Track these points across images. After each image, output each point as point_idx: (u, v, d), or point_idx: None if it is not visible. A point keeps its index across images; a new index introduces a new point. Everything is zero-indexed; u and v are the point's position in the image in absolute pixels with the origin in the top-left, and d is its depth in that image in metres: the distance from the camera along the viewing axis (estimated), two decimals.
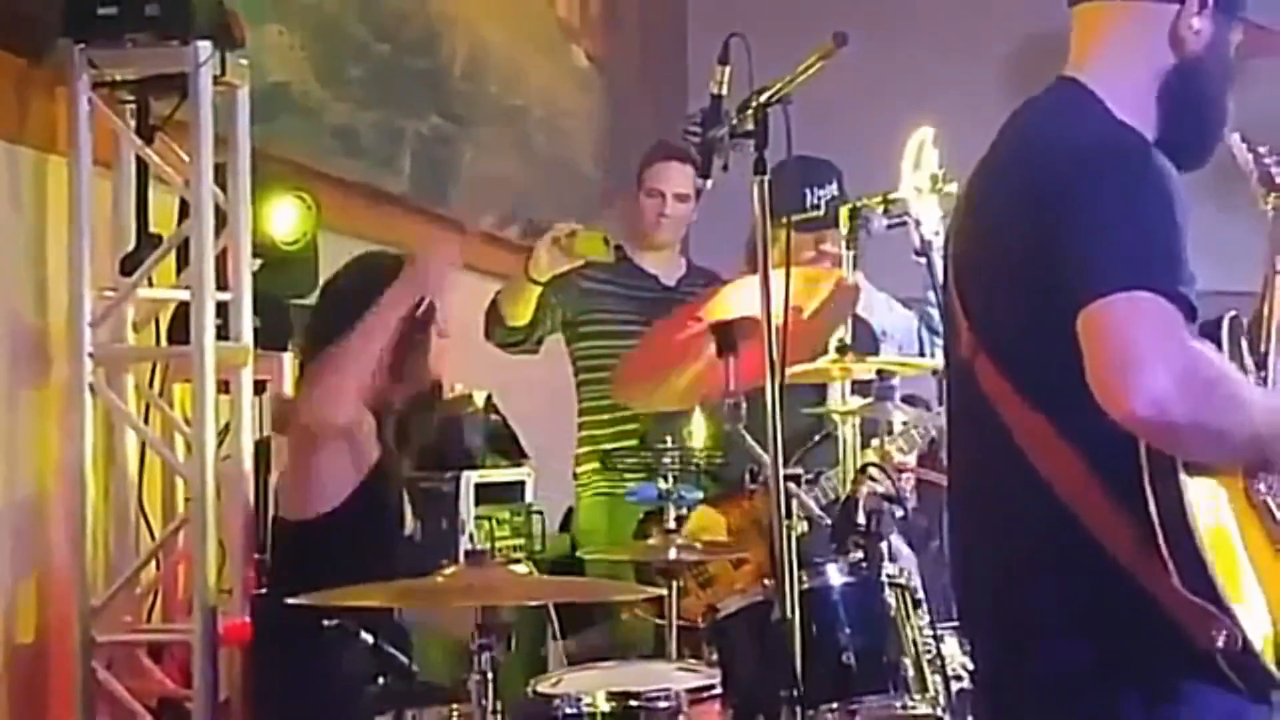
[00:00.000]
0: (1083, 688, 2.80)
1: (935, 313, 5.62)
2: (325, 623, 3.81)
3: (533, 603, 4.54)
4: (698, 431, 5.36)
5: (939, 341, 5.66)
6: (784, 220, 4.13)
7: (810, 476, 4.98)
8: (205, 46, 4.80)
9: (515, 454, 6.19)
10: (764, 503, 4.99)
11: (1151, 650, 2.73)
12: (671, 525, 4.73)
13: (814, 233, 5.32)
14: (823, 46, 3.39)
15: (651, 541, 4.77)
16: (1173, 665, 2.72)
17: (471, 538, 3.93)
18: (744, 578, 5.14)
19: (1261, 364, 3.12)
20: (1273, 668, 2.68)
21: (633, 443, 5.75)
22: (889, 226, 5.17)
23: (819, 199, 5.33)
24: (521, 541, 5.81)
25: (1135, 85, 2.92)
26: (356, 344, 4.43)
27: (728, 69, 3.70)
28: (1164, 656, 2.71)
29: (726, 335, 4.01)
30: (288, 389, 5.36)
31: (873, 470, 4.18)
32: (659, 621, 4.83)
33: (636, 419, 5.76)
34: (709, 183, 3.72)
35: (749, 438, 3.95)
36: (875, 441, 4.89)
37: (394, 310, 4.46)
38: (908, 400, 5.10)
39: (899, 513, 4.17)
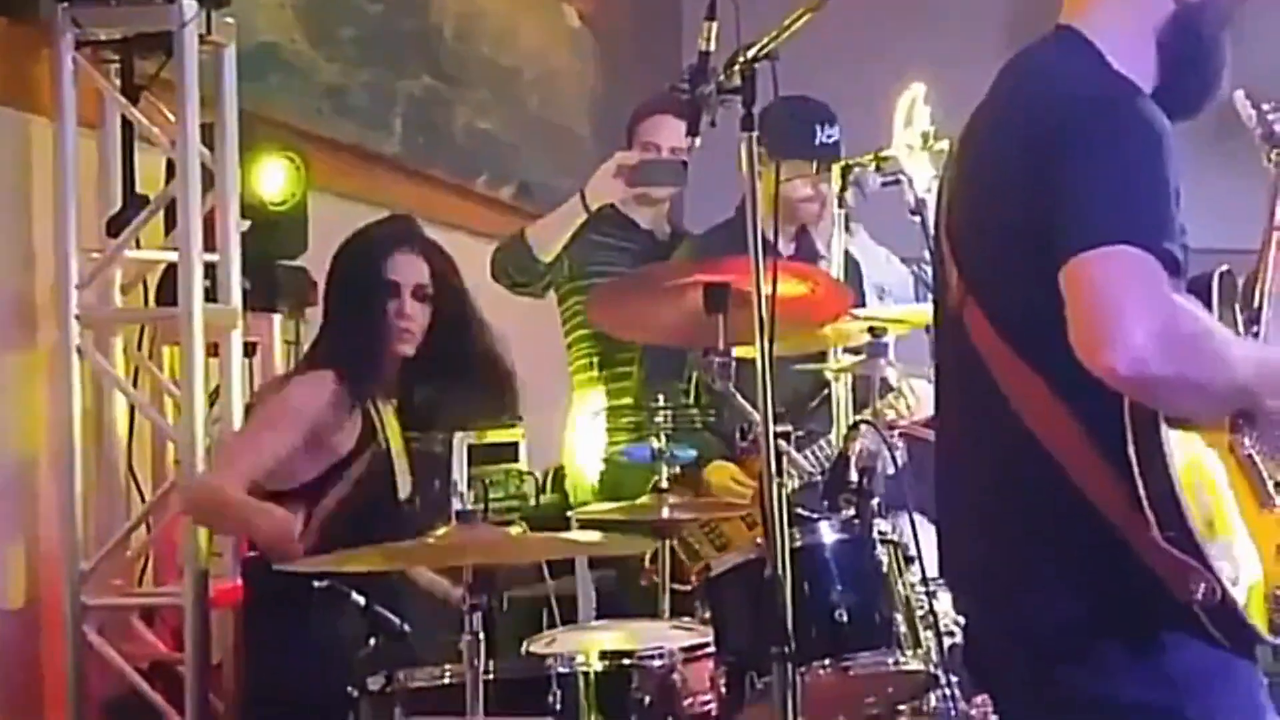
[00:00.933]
0: (1071, 642, 2.80)
1: (930, 270, 5.58)
2: (316, 584, 3.79)
3: (522, 561, 4.50)
4: (692, 390, 5.34)
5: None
6: (776, 161, 4.11)
7: (801, 434, 4.95)
8: (190, 4, 4.80)
9: (509, 415, 6.17)
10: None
11: (1138, 604, 2.71)
12: (664, 484, 4.70)
13: (815, 172, 5.25)
14: (810, 0, 3.35)
15: (643, 500, 4.74)
16: (1158, 619, 2.71)
17: (463, 499, 3.91)
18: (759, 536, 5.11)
19: (1254, 320, 3.10)
20: (1253, 621, 2.67)
21: (627, 401, 5.71)
22: (883, 185, 5.14)
23: (828, 136, 5.29)
24: (515, 503, 5.80)
25: (1132, 33, 2.89)
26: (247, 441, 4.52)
27: (715, 25, 3.65)
28: (1150, 611, 2.70)
29: (718, 295, 3.97)
30: (278, 353, 5.35)
31: (864, 427, 4.16)
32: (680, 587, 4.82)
33: (630, 377, 5.73)
34: (698, 140, 3.68)
35: (739, 396, 3.93)
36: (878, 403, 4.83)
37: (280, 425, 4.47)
38: None
39: (889, 469, 4.15)
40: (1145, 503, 2.63)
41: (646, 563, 4.86)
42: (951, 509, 3.05)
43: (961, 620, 3.95)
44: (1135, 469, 2.64)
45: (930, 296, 5.68)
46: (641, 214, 5.94)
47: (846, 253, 5.17)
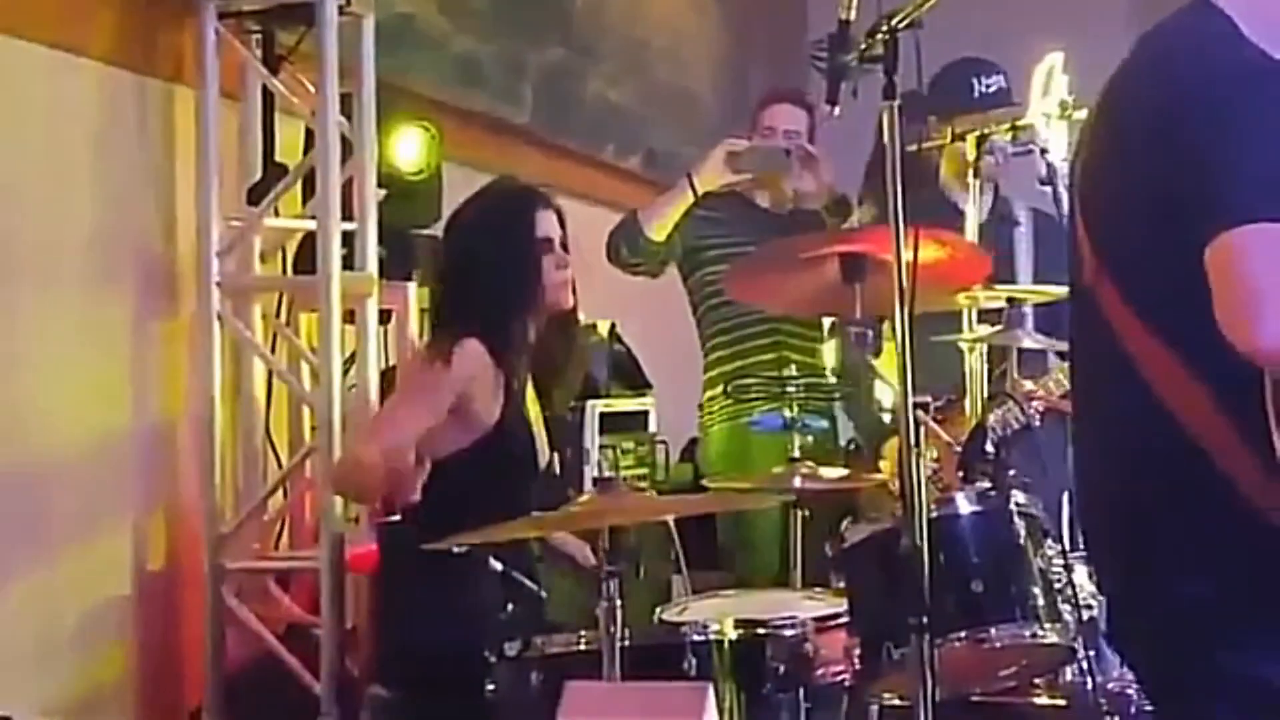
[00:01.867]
0: (1205, 620, 2.77)
1: None
2: (454, 550, 3.81)
3: (662, 517, 4.48)
4: (827, 359, 5.34)
5: None
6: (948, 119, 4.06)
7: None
8: None
9: (639, 383, 6.20)
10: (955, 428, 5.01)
11: (1273, 584, 2.69)
12: (796, 454, 4.70)
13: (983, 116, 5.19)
14: None
15: (776, 470, 4.75)
16: None
17: (599, 466, 3.93)
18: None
19: None
20: None
21: (768, 372, 5.71)
22: (1014, 154, 5.12)
23: (987, 86, 5.27)
24: (645, 470, 5.83)
25: (1272, 7, 2.86)
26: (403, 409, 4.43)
27: None
28: None
29: (855, 264, 3.97)
30: (413, 320, 5.38)
31: (1002, 398, 4.15)
32: None
33: (762, 349, 5.75)
34: (837, 110, 3.68)
35: (878, 367, 3.93)
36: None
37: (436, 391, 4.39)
38: None
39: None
40: None
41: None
42: (1087, 484, 3.04)
43: (1100, 597, 3.97)
44: (1278, 444, 2.62)
45: None
46: (756, 194, 5.98)
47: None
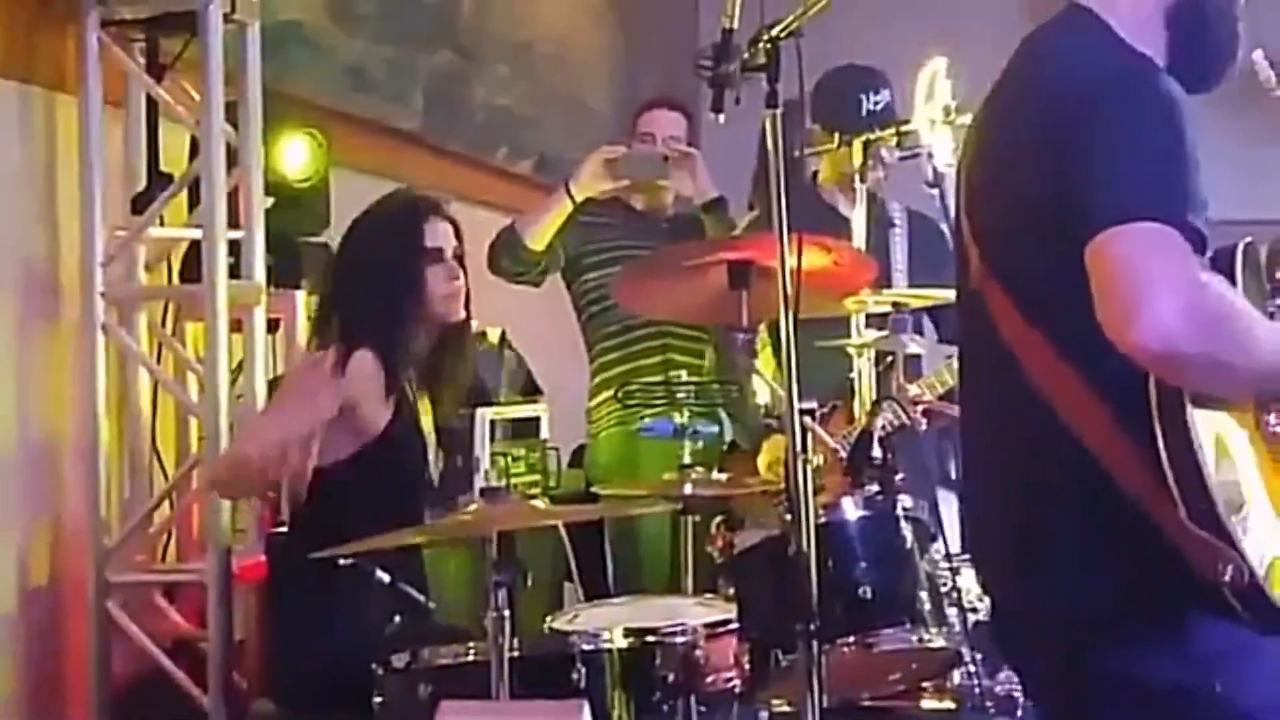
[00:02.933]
0: (1098, 621, 2.79)
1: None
2: (341, 562, 3.79)
3: (548, 523, 4.47)
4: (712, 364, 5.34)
5: None
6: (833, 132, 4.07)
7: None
8: None
9: (530, 390, 6.19)
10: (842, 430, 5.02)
11: (1161, 583, 2.70)
12: (686, 460, 4.70)
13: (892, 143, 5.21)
14: None
15: (667, 477, 4.74)
16: (1182, 598, 2.69)
17: (487, 475, 3.93)
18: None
19: (1278, 291, 3.10)
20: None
21: (656, 376, 5.72)
22: (901, 159, 5.14)
23: (875, 103, 5.28)
24: (537, 478, 5.81)
25: (1143, 9, 2.89)
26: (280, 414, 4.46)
27: (739, 2, 3.66)
28: (1174, 590, 2.68)
29: (741, 271, 3.98)
30: (301, 329, 5.35)
31: (887, 402, 4.16)
32: None
33: (650, 351, 5.76)
34: (722, 118, 3.68)
35: (764, 374, 3.93)
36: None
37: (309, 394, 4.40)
38: None
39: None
40: (1171, 482, 2.62)
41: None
42: (976, 486, 3.05)
43: (986, 598, 3.99)
44: (1161, 448, 2.63)
45: None
46: (637, 200, 5.99)
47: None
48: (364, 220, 4.64)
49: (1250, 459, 2.75)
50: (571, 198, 5.75)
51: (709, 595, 4.44)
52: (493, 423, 5.53)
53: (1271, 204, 3.27)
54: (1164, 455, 2.62)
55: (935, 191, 4.98)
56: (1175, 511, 2.61)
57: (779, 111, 3.44)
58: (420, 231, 4.55)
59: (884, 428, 4.10)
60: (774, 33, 3.40)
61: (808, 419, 3.48)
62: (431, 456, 4.65)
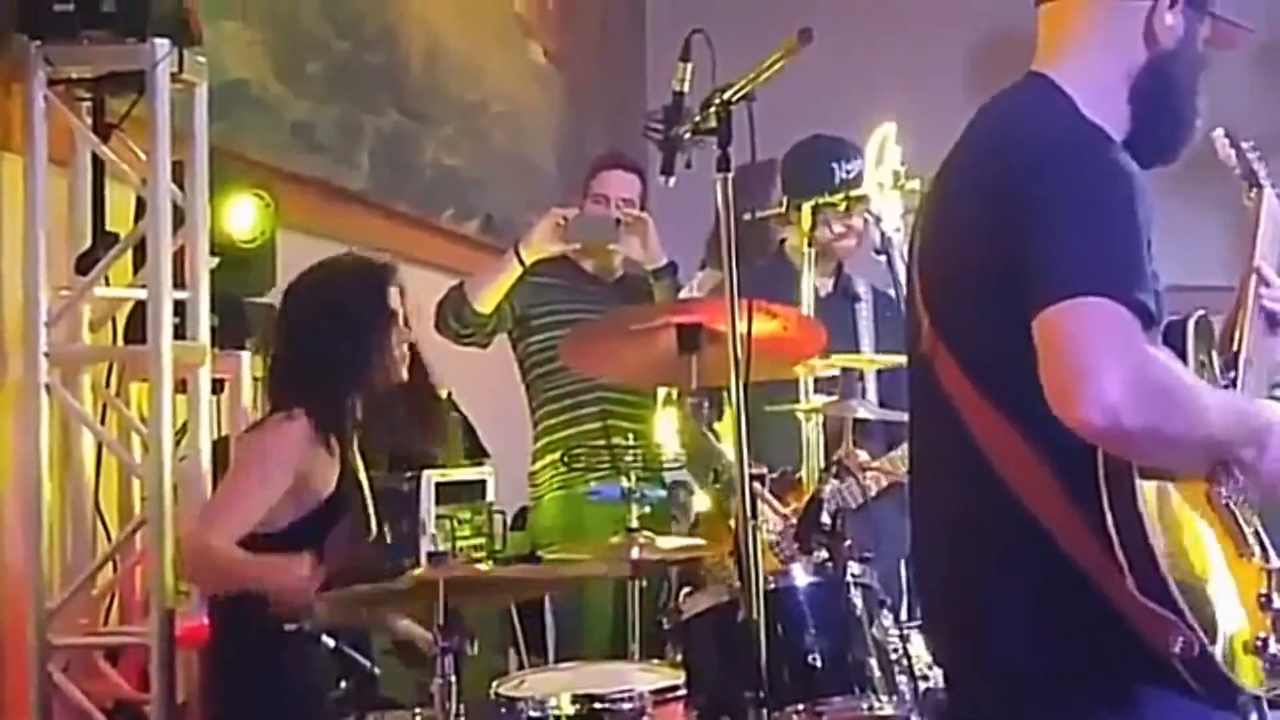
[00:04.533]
0: (1040, 690, 2.78)
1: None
2: (286, 627, 3.76)
3: (496, 594, 4.45)
4: (660, 429, 5.32)
5: None
6: (803, 203, 4.07)
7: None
8: (163, 44, 4.77)
9: (476, 452, 6.17)
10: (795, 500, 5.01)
11: (1111, 653, 2.70)
12: (634, 524, 4.68)
13: (845, 210, 5.21)
14: (787, 42, 3.36)
15: (614, 540, 4.73)
16: (1132, 669, 2.69)
17: (433, 539, 3.92)
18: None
19: (1231, 364, 3.11)
20: (1234, 674, 2.66)
21: (599, 441, 5.70)
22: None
23: (848, 171, 5.28)
24: (483, 540, 5.78)
25: (1105, 81, 2.89)
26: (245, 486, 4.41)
27: (689, 66, 3.67)
28: (1124, 660, 2.68)
29: (690, 335, 3.98)
30: (246, 389, 5.32)
31: (837, 469, 4.15)
32: None
33: (596, 415, 5.75)
34: (671, 181, 3.69)
35: (712, 437, 3.93)
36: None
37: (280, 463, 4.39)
38: None
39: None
40: (1119, 552, 2.61)
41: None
42: (924, 552, 3.05)
43: (934, 665, 3.98)
44: (1109, 519, 2.63)
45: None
46: (586, 261, 5.99)
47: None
48: (317, 282, 4.63)
49: (1201, 530, 2.75)
50: (521, 260, 5.75)
51: (654, 661, 4.42)
52: (439, 485, 5.51)
53: (1209, 270, 3.28)
54: (1111, 524, 2.62)
55: (883, 258, 5.01)
56: (1123, 581, 2.60)
57: (730, 175, 3.45)
58: (385, 296, 4.56)
59: (835, 496, 4.09)
60: (726, 96, 3.41)
61: (757, 485, 3.46)
62: (373, 520, 4.62)
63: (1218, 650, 2.62)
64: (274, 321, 4.69)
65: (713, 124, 3.45)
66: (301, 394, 4.44)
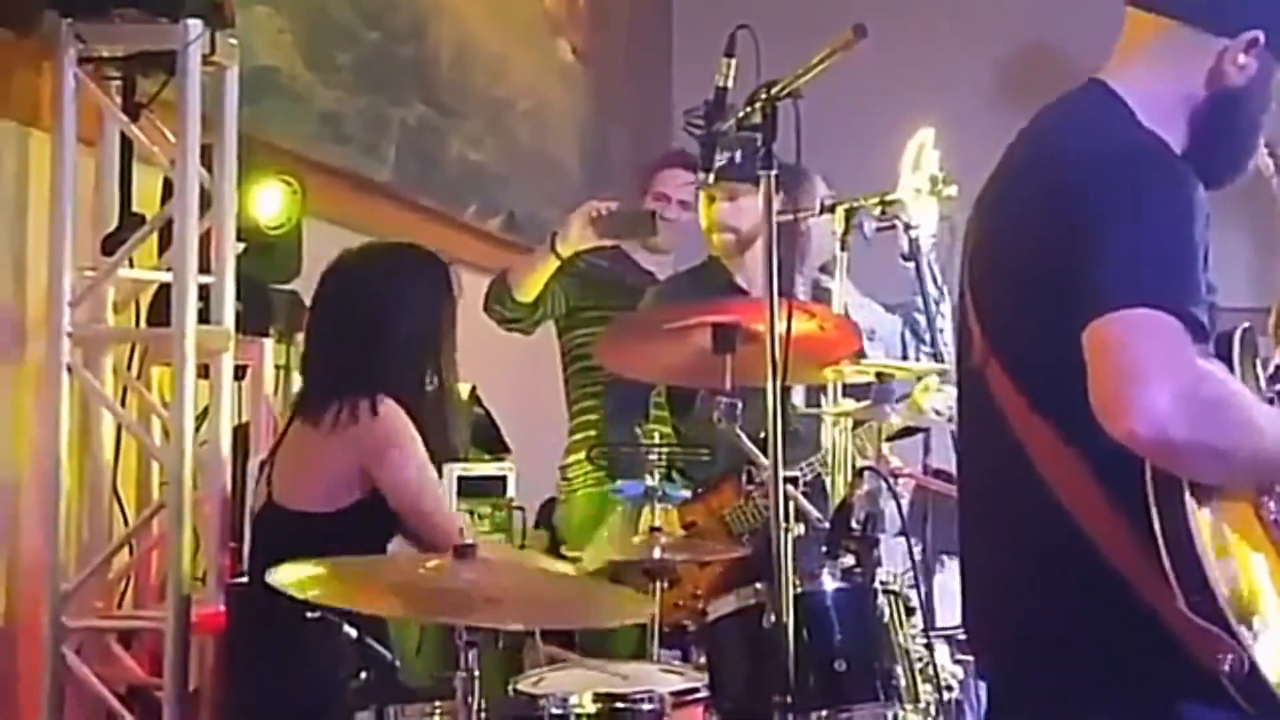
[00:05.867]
0: (1084, 707, 2.74)
1: (921, 318, 5.54)
2: (309, 615, 3.71)
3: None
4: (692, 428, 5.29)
5: (924, 346, 5.60)
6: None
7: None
8: (195, 24, 4.75)
9: (498, 447, 6.13)
10: (732, 502, 4.99)
11: (1156, 671, 2.66)
12: (658, 523, 4.64)
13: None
14: (840, 38, 3.31)
15: (636, 540, 4.69)
16: (1177, 687, 2.65)
17: (461, 533, 3.91)
18: (707, 579, 5.08)
19: (1276, 378, 3.06)
20: None
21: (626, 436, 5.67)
22: (878, 229, 5.11)
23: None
24: (502, 536, 5.74)
25: (1164, 100, 2.84)
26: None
27: (734, 61, 3.64)
28: (1169, 678, 2.64)
29: (726, 334, 3.94)
30: (268, 376, 5.28)
31: (867, 474, 4.11)
32: None
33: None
34: (711, 177, 3.66)
35: (745, 438, 3.90)
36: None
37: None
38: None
39: (897, 523, 4.11)
40: (1169, 569, 2.57)
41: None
42: (974, 568, 3.00)
43: (960, 674, 3.94)
44: (1159, 534, 2.59)
45: (918, 343, 5.74)
46: (641, 256, 5.96)
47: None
48: (401, 269, 4.64)
49: (1250, 546, 2.71)
50: (557, 254, 5.70)
51: (675, 662, 4.38)
52: (460, 479, 5.48)
53: (1259, 291, 3.24)
54: (1161, 540, 2.58)
55: (910, 264, 4.96)
56: (1173, 598, 2.56)
57: (774, 173, 3.41)
58: (454, 289, 4.62)
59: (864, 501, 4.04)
60: (773, 92, 3.36)
61: (790, 487, 3.43)
62: None
63: (1270, 669, 2.58)
64: (331, 307, 4.61)
65: (757, 120, 3.41)
66: (384, 381, 4.44)
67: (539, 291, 5.75)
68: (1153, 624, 2.60)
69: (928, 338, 5.37)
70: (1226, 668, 2.55)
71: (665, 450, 4.84)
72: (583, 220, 5.71)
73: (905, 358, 5.77)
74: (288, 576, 3.54)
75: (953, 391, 4.50)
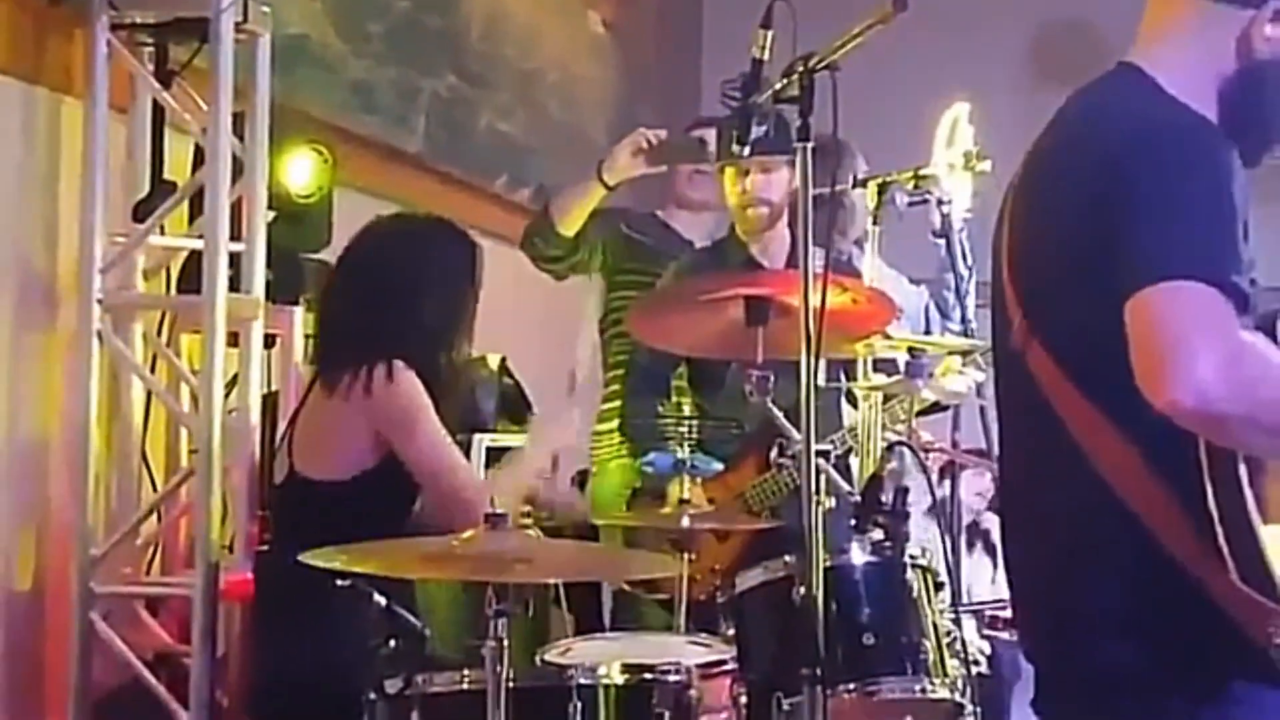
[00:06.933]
0: (1132, 686, 2.73)
1: (949, 295, 5.53)
2: (339, 582, 3.71)
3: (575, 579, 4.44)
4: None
5: (949, 324, 5.59)
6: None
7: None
8: None
9: (527, 418, 6.13)
10: (752, 478, 4.98)
11: (1205, 649, 2.66)
12: (686, 495, 4.64)
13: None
14: (879, 10, 3.29)
15: (665, 510, 4.69)
16: (1227, 664, 2.65)
17: (492, 502, 3.90)
18: (727, 554, 5.09)
19: None
20: None
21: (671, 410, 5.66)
22: (910, 204, 5.09)
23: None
24: (529, 506, 5.74)
25: (1195, 77, 2.83)
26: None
27: (770, 33, 3.61)
28: (1218, 655, 2.64)
29: (759, 307, 3.93)
30: (298, 345, 5.28)
31: (899, 448, 4.09)
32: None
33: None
34: (746, 150, 3.64)
35: (778, 412, 3.89)
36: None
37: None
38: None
39: (927, 499, 4.10)
40: (1224, 543, 2.56)
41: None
42: (1019, 551, 2.99)
43: (987, 650, 3.93)
44: (1212, 504, 2.58)
45: (943, 320, 5.71)
46: (678, 219, 5.94)
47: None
48: (434, 242, 4.67)
49: None
50: (604, 183, 5.68)
51: (704, 634, 4.38)
52: (489, 450, 5.48)
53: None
54: (1215, 513, 2.57)
55: (942, 241, 4.94)
56: (1224, 572, 2.55)
57: (810, 145, 3.39)
58: (479, 260, 4.62)
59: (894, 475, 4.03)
60: (810, 64, 3.34)
61: (822, 461, 3.42)
62: None
63: None
64: (360, 272, 4.62)
65: (795, 92, 3.39)
66: (402, 347, 4.44)
67: (581, 226, 5.72)
68: (1201, 600, 2.60)
69: (956, 314, 5.35)
70: (1278, 640, 2.54)
71: (695, 423, 4.83)
72: (631, 148, 5.69)
73: (928, 333, 5.75)
74: (320, 559, 3.54)
75: (973, 375, 4.51)
